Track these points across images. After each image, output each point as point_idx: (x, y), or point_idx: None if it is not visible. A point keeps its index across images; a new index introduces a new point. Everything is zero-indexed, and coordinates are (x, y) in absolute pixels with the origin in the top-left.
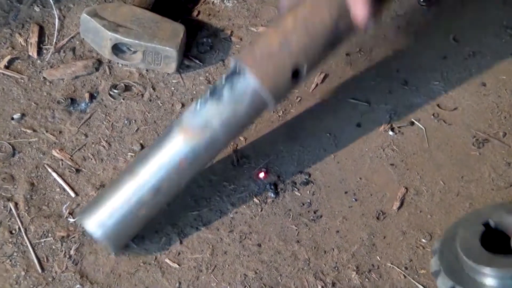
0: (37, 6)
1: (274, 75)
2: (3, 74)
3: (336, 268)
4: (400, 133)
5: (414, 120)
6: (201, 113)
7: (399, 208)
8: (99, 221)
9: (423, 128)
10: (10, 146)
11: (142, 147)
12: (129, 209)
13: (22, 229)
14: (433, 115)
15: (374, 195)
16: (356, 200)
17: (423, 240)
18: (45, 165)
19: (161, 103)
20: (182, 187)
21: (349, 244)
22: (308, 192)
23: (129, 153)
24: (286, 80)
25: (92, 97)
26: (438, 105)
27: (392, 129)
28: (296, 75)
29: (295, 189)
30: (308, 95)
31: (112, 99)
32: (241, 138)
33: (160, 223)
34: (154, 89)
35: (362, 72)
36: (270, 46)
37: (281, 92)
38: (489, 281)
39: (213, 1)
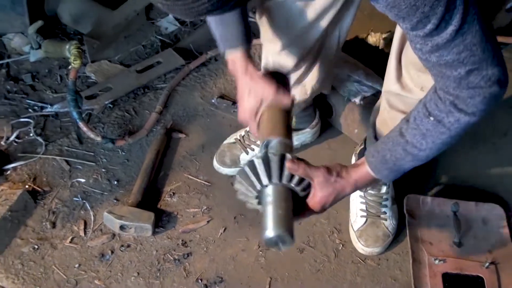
0: (81, 211)
1: None
2: (68, 245)
3: None
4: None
5: None
6: None
7: None
8: None
9: None
10: (74, 280)
11: (138, 274)
12: None
13: None
14: None
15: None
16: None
17: None
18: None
19: (146, 251)
20: None
21: None
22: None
23: (132, 277)
24: None
25: (112, 252)
26: None
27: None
28: None
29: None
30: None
31: (121, 252)
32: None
33: None
34: (141, 244)
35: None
36: None
37: None
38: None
39: (167, 199)
